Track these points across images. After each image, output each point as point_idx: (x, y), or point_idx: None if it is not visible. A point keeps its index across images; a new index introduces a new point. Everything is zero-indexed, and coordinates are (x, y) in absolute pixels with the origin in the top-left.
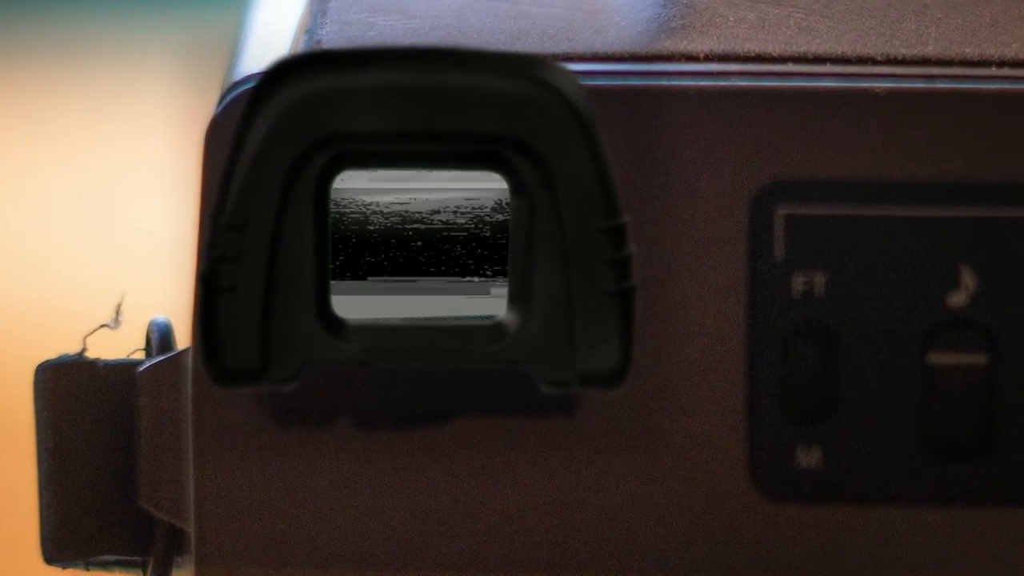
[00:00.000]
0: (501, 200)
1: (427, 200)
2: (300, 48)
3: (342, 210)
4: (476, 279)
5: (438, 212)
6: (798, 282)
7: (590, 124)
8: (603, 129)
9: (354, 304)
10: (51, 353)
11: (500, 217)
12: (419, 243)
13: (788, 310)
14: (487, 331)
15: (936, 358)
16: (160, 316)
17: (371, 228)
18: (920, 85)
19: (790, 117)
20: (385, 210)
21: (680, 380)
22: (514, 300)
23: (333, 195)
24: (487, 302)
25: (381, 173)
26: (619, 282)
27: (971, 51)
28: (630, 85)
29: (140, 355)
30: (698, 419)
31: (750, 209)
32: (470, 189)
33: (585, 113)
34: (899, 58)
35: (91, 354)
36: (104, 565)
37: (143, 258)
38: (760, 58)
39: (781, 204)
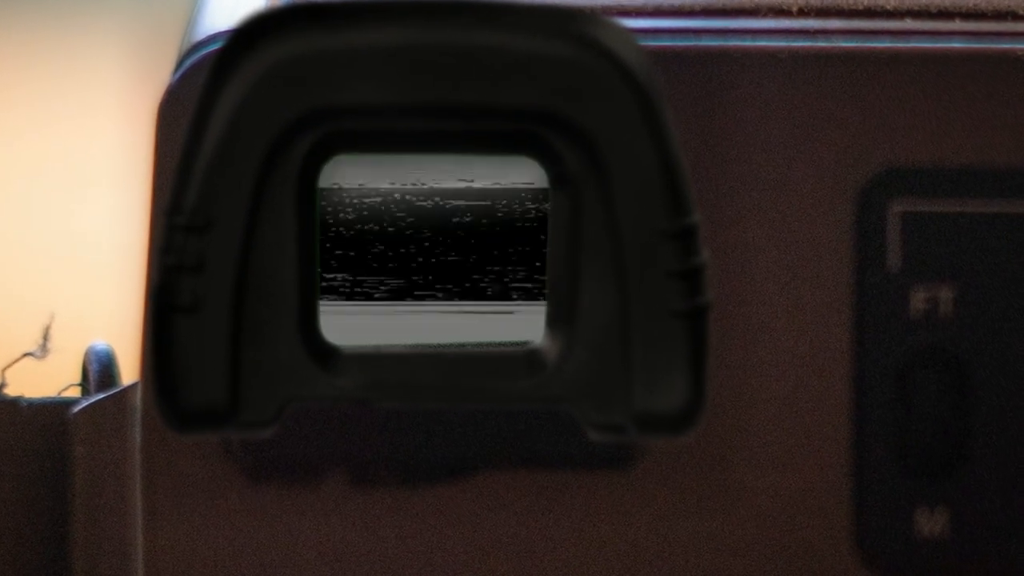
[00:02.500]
0: (536, 194)
1: (439, 194)
2: None
3: (333, 207)
4: (503, 295)
5: (452, 209)
6: (918, 298)
7: (651, 96)
8: (668, 103)
9: (348, 327)
10: None
11: (535, 216)
12: (428, 249)
13: (905, 334)
14: (519, 362)
15: None
16: (100, 342)
17: (369, 230)
18: None
19: (908, 88)
20: (386, 207)
21: (767, 424)
22: (554, 322)
23: (321, 187)
24: (517, 324)
25: (382, 159)
26: (688, 299)
27: None
28: (703, 46)
29: (75, 392)
30: (790, 473)
31: (857, 205)
32: (495, 180)
33: (645, 82)
34: None
35: (12, 391)
36: None
37: (79, 268)
38: (870, 12)
39: (896, 198)
